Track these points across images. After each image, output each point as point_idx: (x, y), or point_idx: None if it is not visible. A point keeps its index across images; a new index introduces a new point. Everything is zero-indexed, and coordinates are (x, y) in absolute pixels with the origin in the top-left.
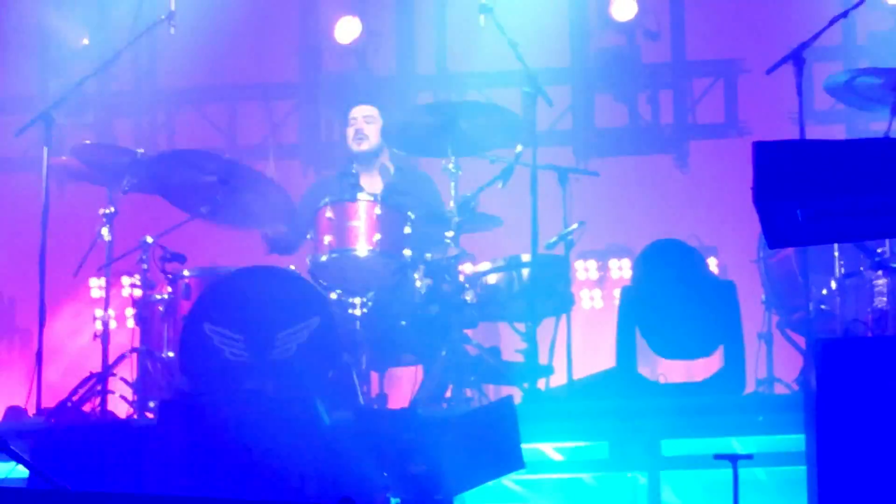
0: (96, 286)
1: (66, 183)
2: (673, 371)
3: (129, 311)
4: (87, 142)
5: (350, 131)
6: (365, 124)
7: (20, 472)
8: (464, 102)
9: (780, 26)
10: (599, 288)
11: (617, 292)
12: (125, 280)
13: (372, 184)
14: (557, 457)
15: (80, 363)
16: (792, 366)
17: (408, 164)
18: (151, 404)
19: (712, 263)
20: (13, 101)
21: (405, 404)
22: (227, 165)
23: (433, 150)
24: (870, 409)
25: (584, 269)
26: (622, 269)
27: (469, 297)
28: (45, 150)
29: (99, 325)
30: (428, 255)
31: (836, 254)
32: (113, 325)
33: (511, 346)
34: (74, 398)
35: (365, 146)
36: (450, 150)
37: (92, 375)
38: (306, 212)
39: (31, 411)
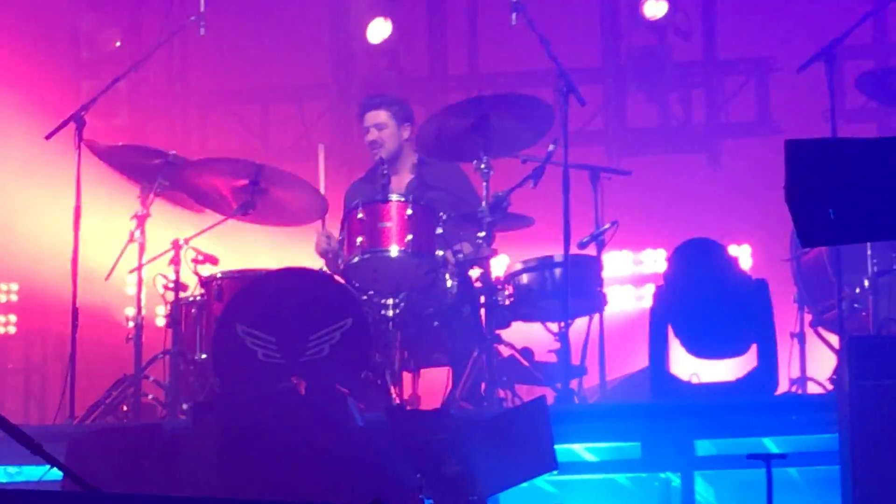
0: (132, 283)
1: (98, 185)
2: (705, 371)
3: (161, 310)
4: (120, 144)
5: (366, 140)
6: (377, 132)
7: (54, 474)
8: (494, 96)
9: (811, 24)
10: (632, 283)
11: (649, 289)
12: (159, 280)
13: (402, 180)
14: (590, 457)
15: (113, 365)
16: (825, 365)
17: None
18: (184, 406)
19: (744, 262)
20: (45, 103)
21: (438, 405)
22: (259, 169)
23: (466, 153)
24: None
25: (618, 263)
26: (657, 262)
27: (501, 297)
28: (78, 151)
29: (131, 326)
30: (460, 256)
31: (869, 252)
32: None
33: (544, 346)
34: (107, 401)
35: (381, 153)
36: (482, 151)
37: (124, 378)
38: (336, 262)
39: (65, 414)
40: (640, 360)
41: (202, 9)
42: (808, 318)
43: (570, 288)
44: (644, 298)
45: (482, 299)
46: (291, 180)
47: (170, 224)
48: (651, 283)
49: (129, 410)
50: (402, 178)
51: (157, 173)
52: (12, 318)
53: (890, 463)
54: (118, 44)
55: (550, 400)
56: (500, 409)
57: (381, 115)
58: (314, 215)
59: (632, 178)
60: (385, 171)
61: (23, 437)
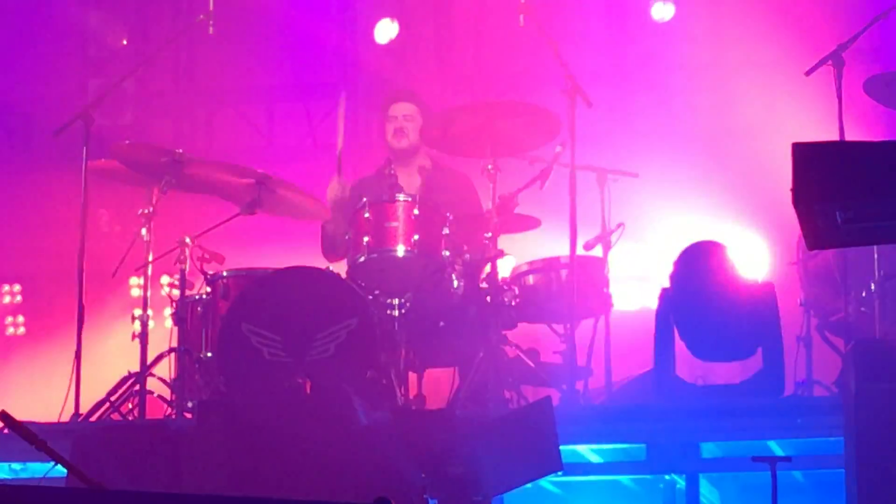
0: (136, 285)
1: (105, 182)
2: (711, 373)
3: (168, 311)
4: (127, 142)
5: (389, 128)
6: (405, 122)
7: (59, 471)
8: (501, 102)
9: (818, 27)
10: (638, 284)
11: (656, 290)
12: (164, 279)
13: (411, 182)
14: (595, 459)
15: (119, 363)
16: (831, 368)
17: (445, 163)
18: (190, 404)
19: (751, 265)
20: (52, 101)
21: (443, 405)
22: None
23: (472, 150)
24: None
25: (624, 265)
26: (663, 263)
27: (507, 298)
28: (84, 149)
29: (137, 326)
30: (467, 256)
31: (876, 256)
32: (151, 324)
33: (549, 347)
34: (113, 398)
35: (405, 143)
36: (489, 151)
37: (130, 375)
38: (347, 211)
39: (70, 411)
40: (646, 362)
41: (211, 7)
42: (814, 321)
43: (576, 289)
44: (650, 298)
45: (488, 300)
46: (294, 189)
47: (176, 222)
48: (657, 284)
49: (135, 408)
50: (413, 179)
51: (163, 172)
52: (20, 318)
53: (893, 466)
54: (125, 42)
55: (556, 401)
56: (506, 410)
57: (410, 108)
58: (318, 217)
59: (639, 180)
60: (392, 171)
61: (28, 433)
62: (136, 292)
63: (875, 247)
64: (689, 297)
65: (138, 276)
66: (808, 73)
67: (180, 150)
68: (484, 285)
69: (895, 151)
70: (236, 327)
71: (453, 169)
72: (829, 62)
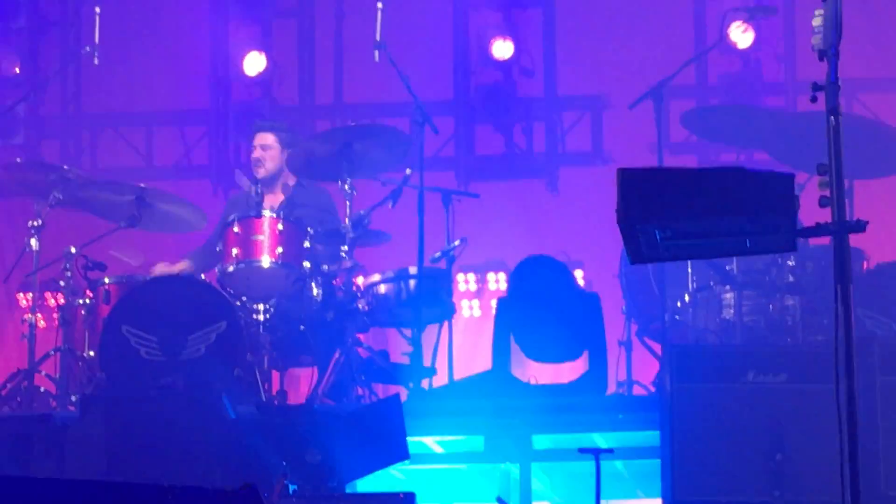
0: (23, 298)
1: None
2: (542, 373)
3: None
4: (18, 160)
5: (253, 158)
6: (262, 151)
7: None
8: (357, 126)
9: (641, 66)
10: (478, 298)
11: (494, 303)
12: (49, 295)
13: (275, 202)
14: (439, 449)
15: (8, 362)
16: (649, 369)
17: (307, 181)
18: (73, 398)
19: (579, 277)
20: None
21: (303, 400)
22: (144, 192)
23: (332, 174)
24: (717, 407)
25: (465, 282)
26: (499, 282)
27: (361, 304)
28: None
29: (27, 326)
30: (325, 267)
31: (690, 270)
32: (42, 324)
33: (398, 349)
34: (2, 392)
35: (262, 173)
36: (345, 173)
37: (18, 371)
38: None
39: None
40: (485, 364)
41: (96, 40)
42: (634, 328)
43: (422, 297)
44: (489, 310)
45: (344, 306)
46: (173, 198)
47: (63, 233)
48: (495, 299)
49: (23, 401)
50: (277, 197)
51: (51, 187)
52: None
53: (705, 456)
54: (18, 70)
55: (403, 397)
56: (359, 405)
57: (268, 138)
58: (196, 226)
59: (479, 201)
60: (259, 190)
61: None
62: (24, 303)
63: (689, 261)
64: (524, 305)
65: (25, 293)
66: (631, 107)
67: (66, 167)
68: (340, 293)
69: (707, 178)
70: (116, 329)
71: (316, 185)
72: (650, 97)
